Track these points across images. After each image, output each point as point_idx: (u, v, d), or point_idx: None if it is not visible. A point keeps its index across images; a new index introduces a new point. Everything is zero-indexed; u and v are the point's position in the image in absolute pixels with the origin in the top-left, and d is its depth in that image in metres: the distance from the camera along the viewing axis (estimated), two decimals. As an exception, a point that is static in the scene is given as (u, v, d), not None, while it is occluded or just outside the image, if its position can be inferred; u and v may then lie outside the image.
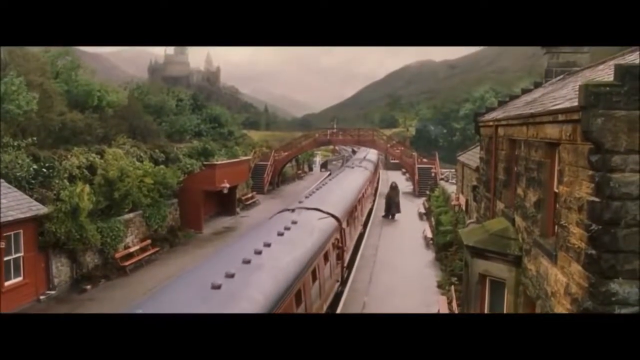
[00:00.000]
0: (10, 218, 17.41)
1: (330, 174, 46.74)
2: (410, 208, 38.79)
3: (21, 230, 18.30)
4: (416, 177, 48.64)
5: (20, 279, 18.44)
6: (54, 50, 35.32)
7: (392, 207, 35.90)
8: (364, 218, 30.44)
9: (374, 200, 40.01)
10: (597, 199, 6.65)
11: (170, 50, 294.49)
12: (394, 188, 36.54)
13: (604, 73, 9.71)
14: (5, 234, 17.45)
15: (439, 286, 20.74)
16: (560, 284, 7.92)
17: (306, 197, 22.22)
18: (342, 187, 26.61)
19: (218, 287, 9.08)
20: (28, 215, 18.37)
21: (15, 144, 21.08)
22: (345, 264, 20.27)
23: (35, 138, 22.22)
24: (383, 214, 36.08)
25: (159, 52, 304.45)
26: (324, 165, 73.65)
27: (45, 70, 30.47)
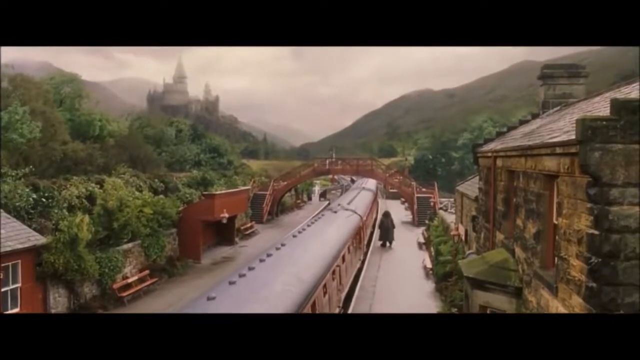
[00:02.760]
0: (8, 248, 17.33)
1: (312, 218, 28.06)
2: (410, 238, 38.70)
3: (19, 261, 18.19)
4: (415, 206, 48.64)
5: (17, 310, 18.27)
6: (58, 78, 35.79)
7: (387, 235, 36.16)
8: (343, 295, 20.00)
9: (372, 232, 39.80)
10: (596, 232, 6.69)
11: (169, 79, 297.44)
12: (387, 216, 36.84)
13: (600, 106, 9.84)
14: (3, 265, 17.35)
15: (439, 317, 20.58)
16: (561, 317, 7.90)
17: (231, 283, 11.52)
18: (298, 263, 14.57)
19: None
20: (26, 245, 18.28)
21: (14, 173, 21.14)
22: None
23: (32, 167, 22.28)
24: (380, 243, 36.33)
25: (158, 81, 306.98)
26: (323, 195, 73.73)
27: (48, 98, 30.79)
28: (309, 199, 70.20)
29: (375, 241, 37.00)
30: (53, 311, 20.02)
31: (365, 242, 32.10)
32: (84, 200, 23.37)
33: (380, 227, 37.05)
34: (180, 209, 29.75)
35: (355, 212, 29.06)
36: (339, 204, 31.93)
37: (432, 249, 31.55)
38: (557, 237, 8.40)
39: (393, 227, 36.78)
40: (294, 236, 19.11)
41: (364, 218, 31.03)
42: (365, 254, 31.59)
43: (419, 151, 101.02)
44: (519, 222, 11.21)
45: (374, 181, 61.15)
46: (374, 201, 48.11)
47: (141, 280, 24.77)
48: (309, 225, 22.72)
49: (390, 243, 35.93)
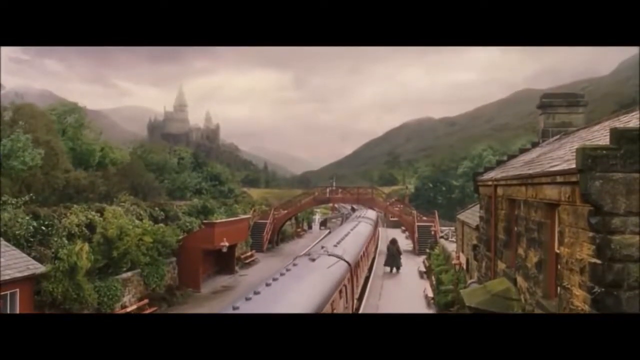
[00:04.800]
0: (7, 277, 17.21)
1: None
2: (411, 266, 38.55)
3: (17, 290, 18.04)
4: (416, 235, 48.51)
5: (14, 339, 18.06)
6: (61, 107, 36.11)
7: (392, 261, 36.54)
8: None
9: (373, 259, 39.65)
10: (598, 261, 6.65)
11: (170, 107, 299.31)
12: (393, 243, 37.37)
13: (600, 134, 9.88)
14: (1, 293, 17.22)
15: (441, 347, 20.29)
16: (565, 347, 7.80)
17: None
18: None
19: None
20: (25, 274, 18.15)
21: (14, 201, 21.13)
22: None
23: (32, 195, 22.29)
24: (387, 270, 36.62)
25: (159, 110, 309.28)
26: (323, 224, 73.51)
27: (51, 127, 31.00)
28: (310, 227, 69.96)
29: (376, 271, 36.87)
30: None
31: (358, 294, 25.44)
32: (83, 228, 23.30)
33: (387, 252, 37.60)
34: (180, 237, 29.66)
35: (342, 259, 21.37)
36: (322, 247, 24.52)
37: (433, 277, 31.34)
38: (559, 267, 8.35)
39: (399, 253, 37.29)
40: (235, 308, 11.84)
41: (354, 265, 23.14)
42: (367, 281, 31.31)
43: (419, 179, 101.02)
44: (520, 251, 11.16)
45: (374, 212, 61.03)
46: (373, 235, 44.13)
47: (140, 309, 24.56)
48: (267, 285, 14.82)
49: (397, 269, 36.37)
